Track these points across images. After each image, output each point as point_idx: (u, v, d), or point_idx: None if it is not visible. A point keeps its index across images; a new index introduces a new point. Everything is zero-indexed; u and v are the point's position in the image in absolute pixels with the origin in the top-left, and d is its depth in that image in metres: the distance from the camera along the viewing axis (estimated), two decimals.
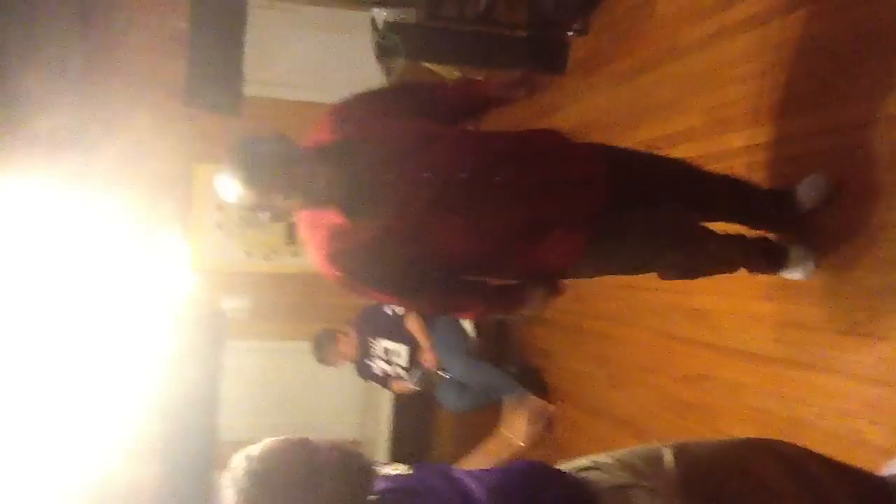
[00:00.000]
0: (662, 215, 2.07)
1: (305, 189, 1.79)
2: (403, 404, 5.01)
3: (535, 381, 4.25)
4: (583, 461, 1.54)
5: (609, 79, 3.72)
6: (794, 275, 2.34)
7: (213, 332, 5.32)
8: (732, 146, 2.73)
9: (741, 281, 2.68)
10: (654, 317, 3.25)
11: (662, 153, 2.46)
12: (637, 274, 2.32)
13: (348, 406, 5.73)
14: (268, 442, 1.33)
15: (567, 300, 4.10)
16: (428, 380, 4.39)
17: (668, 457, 1.48)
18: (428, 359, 4.28)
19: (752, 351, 2.62)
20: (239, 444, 4.95)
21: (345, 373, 4.93)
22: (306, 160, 1.81)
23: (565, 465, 1.56)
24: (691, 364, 2.98)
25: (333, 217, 1.86)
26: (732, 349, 2.72)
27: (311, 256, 1.95)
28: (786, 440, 2.30)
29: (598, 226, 1.96)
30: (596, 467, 1.49)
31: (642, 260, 2.17)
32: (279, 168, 1.76)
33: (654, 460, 1.49)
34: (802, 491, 1.49)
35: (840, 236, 2.27)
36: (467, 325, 4.45)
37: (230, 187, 1.79)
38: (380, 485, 1.32)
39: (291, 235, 5.46)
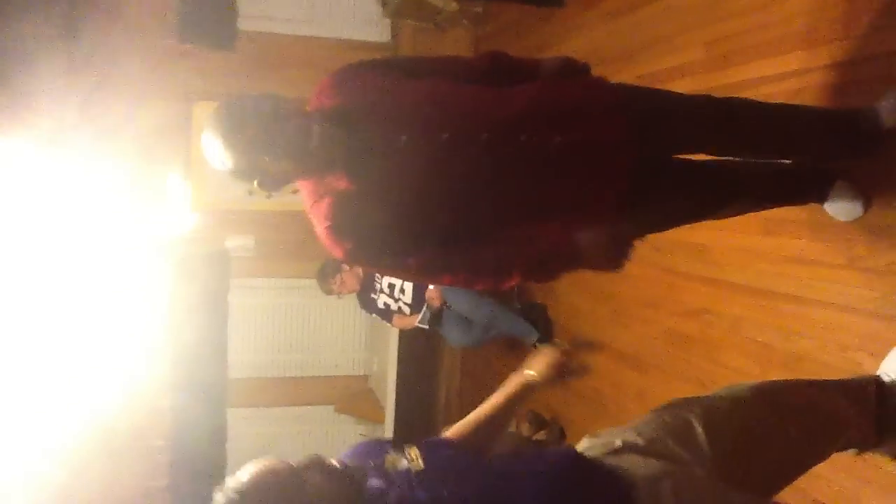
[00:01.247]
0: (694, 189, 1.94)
1: (296, 150, 1.61)
2: (409, 339, 5.07)
3: (539, 317, 4.29)
4: (611, 439, 1.51)
5: (608, 12, 3.66)
6: (837, 211, 2.21)
7: (219, 271, 5.35)
8: (734, 80, 2.69)
9: (742, 217, 2.69)
10: (656, 252, 3.26)
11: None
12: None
13: (354, 342, 5.81)
14: (253, 475, 1.23)
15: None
16: (435, 317, 4.43)
17: (699, 433, 1.48)
18: (433, 296, 4.31)
19: (752, 285, 2.64)
20: (247, 381, 5.09)
21: (350, 309, 4.99)
22: (296, 116, 1.61)
23: (593, 444, 1.53)
24: (692, 299, 3.00)
25: (337, 183, 1.68)
26: (733, 284, 2.74)
27: (317, 230, 1.77)
28: (786, 372, 2.36)
29: (630, 196, 1.77)
30: (627, 448, 1.46)
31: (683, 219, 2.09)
32: (260, 124, 1.58)
33: (687, 438, 1.48)
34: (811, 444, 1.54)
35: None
36: None
37: (211, 152, 1.66)
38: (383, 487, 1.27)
39: None
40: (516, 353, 4.73)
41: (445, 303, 4.36)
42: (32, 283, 3.95)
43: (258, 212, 5.43)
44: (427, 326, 4.49)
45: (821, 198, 2.21)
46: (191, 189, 5.23)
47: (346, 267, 4.40)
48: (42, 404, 4.04)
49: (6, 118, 3.72)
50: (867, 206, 2.15)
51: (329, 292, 4.47)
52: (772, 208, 2.29)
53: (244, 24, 5.27)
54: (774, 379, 2.04)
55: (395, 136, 1.65)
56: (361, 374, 5.76)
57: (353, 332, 5.76)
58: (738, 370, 2.71)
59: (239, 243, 5.43)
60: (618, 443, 1.48)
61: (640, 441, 1.48)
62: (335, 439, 5.60)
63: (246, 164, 1.64)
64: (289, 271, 5.51)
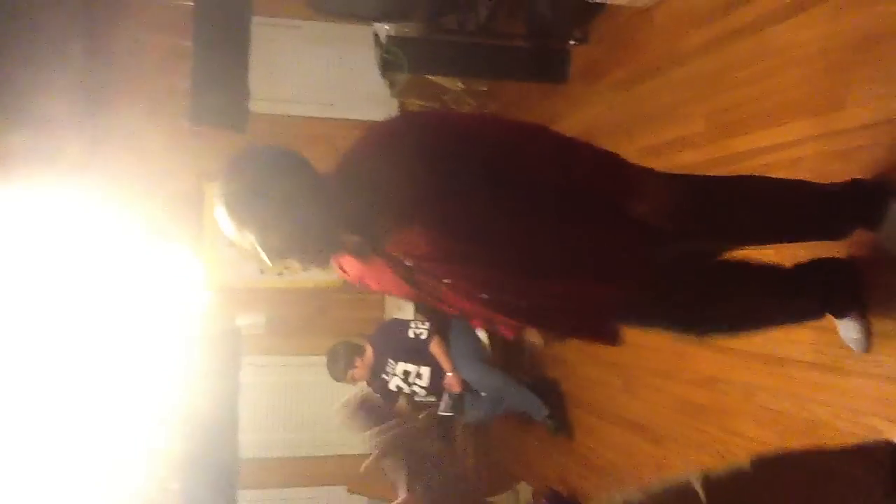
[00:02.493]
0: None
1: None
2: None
3: (549, 390, 4.27)
4: (614, 495, 1.51)
5: (610, 86, 3.74)
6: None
7: (230, 349, 5.35)
8: (734, 151, 2.74)
9: None
10: None
11: (670, 161, 2.36)
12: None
13: None
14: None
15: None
16: (457, 404, 4.35)
17: (699, 491, 1.47)
18: (452, 383, 4.26)
19: (765, 353, 2.62)
20: (256, 462, 5.04)
21: (362, 387, 4.95)
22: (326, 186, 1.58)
23: (598, 500, 1.55)
24: (704, 367, 2.99)
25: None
26: (745, 352, 2.73)
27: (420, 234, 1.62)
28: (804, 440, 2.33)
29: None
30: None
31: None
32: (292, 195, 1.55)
33: (686, 496, 1.47)
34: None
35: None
36: (481, 334, 4.46)
37: (227, 226, 1.61)
38: None
39: None
40: (529, 430, 4.69)
41: (468, 387, 4.30)
42: (47, 356, 3.97)
43: (269, 289, 5.47)
44: (451, 414, 4.41)
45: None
46: (203, 267, 5.28)
47: (357, 361, 4.34)
48: (57, 477, 4.01)
49: (24, 181, 3.80)
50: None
51: (340, 379, 4.41)
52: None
53: (255, 106, 5.40)
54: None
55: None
56: (369, 454, 5.68)
57: None
58: (755, 439, 2.68)
59: (250, 321, 5.46)
60: (617, 498, 1.49)
61: (640, 497, 1.48)
62: None
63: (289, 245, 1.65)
64: (299, 348, 5.51)
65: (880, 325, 2.14)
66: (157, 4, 5.23)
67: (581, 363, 4.08)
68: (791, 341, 2.49)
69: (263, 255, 1.62)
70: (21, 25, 4.19)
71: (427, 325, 4.39)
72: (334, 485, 5.53)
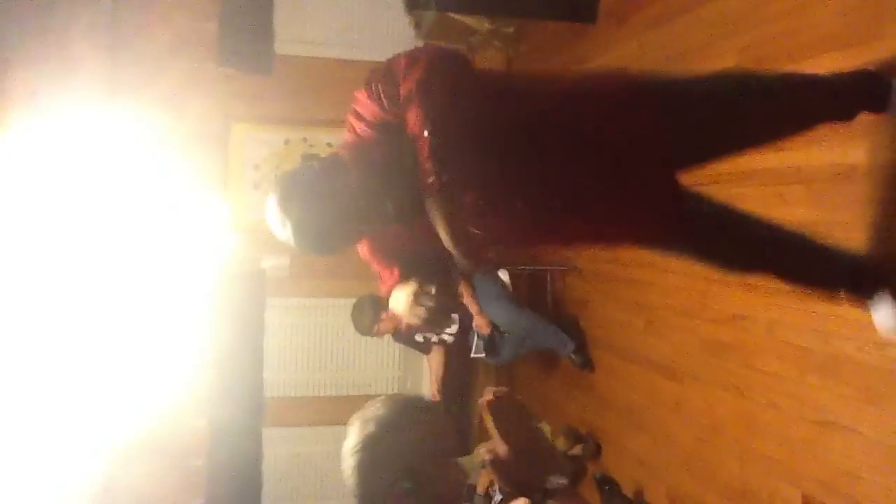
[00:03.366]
0: None
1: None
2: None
3: (571, 330, 4.29)
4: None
5: (640, 26, 3.69)
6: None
7: (255, 290, 5.42)
8: None
9: (776, 219, 2.68)
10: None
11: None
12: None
13: (388, 361, 5.82)
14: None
15: (599, 248, 4.13)
16: (489, 345, 4.34)
17: None
18: (481, 324, 4.26)
19: (787, 288, 2.62)
20: (281, 400, 5.13)
21: None
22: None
23: None
24: (727, 305, 2.99)
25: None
26: (767, 287, 2.72)
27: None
28: (823, 376, 2.34)
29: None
30: None
31: None
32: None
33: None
34: None
35: None
36: (503, 275, 4.48)
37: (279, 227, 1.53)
38: None
39: None
40: (551, 371, 4.73)
41: (497, 328, 4.29)
42: (77, 298, 4.04)
43: None
44: (483, 355, 4.41)
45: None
46: (228, 208, 5.33)
47: (384, 315, 4.21)
48: (85, 414, 4.11)
49: (48, 121, 3.83)
50: None
51: (366, 333, 4.32)
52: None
53: (280, 48, 5.39)
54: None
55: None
56: (396, 392, 5.77)
57: (386, 350, 5.78)
58: (775, 375, 2.69)
59: (274, 263, 5.51)
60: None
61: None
62: None
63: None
64: (323, 290, 5.56)
65: None
66: None
67: (604, 304, 4.10)
68: None
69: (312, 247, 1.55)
70: None
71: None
72: None
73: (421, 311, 1.52)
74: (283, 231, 1.50)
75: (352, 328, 4.57)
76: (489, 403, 1.27)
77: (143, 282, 4.69)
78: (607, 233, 1.84)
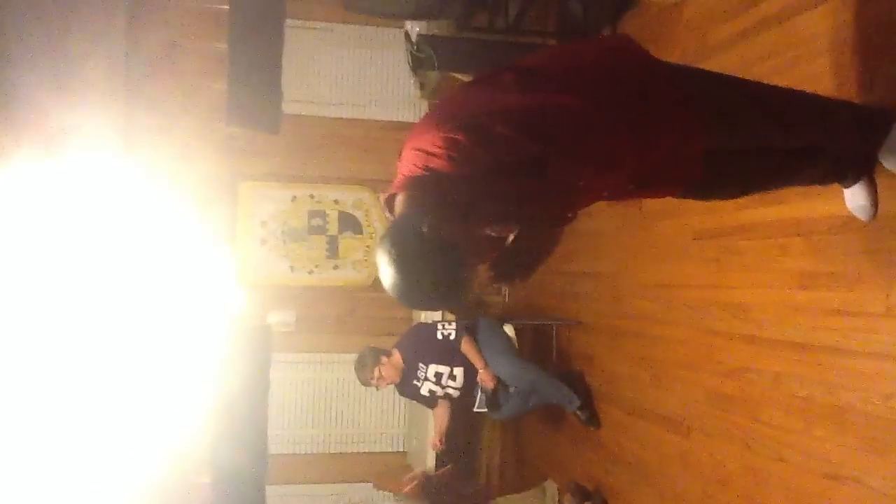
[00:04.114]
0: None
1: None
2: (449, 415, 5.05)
3: (577, 384, 4.28)
4: None
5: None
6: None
7: (261, 346, 5.43)
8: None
9: (776, 272, 2.71)
10: (692, 313, 3.28)
11: None
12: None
13: (393, 418, 5.80)
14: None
15: (604, 302, 4.16)
16: (492, 400, 4.35)
17: None
18: (485, 379, 4.26)
19: (791, 340, 2.63)
20: (285, 458, 5.12)
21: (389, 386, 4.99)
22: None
23: None
24: (732, 358, 2.99)
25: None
26: (772, 340, 2.74)
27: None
28: (830, 426, 2.34)
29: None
30: None
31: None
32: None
33: None
34: None
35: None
36: (509, 329, 4.49)
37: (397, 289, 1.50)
38: None
39: (334, 250, 5.58)
40: (557, 426, 4.70)
41: (501, 383, 4.30)
42: (83, 351, 4.05)
43: (299, 287, 5.55)
44: (486, 410, 4.42)
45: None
46: (235, 264, 5.38)
47: (384, 359, 4.35)
48: (86, 470, 4.08)
49: (59, 184, 3.90)
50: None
51: (367, 384, 4.39)
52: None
53: (288, 108, 5.51)
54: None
55: None
56: (401, 450, 5.73)
57: (391, 407, 5.76)
58: (781, 427, 2.68)
59: (280, 318, 5.54)
60: None
61: None
62: None
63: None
64: (329, 346, 5.58)
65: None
66: (193, 8, 5.35)
67: (609, 358, 4.10)
68: (819, 328, 2.50)
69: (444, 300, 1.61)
70: (60, 24, 4.31)
71: (454, 324, 4.41)
72: (361, 481, 5.58)
73: None
74: (408, 303, 1.54)
75: (356, 384, 4.58)
76: (410, 493, 1.32)
77: (149, 336, 4.70)
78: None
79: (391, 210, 1.62)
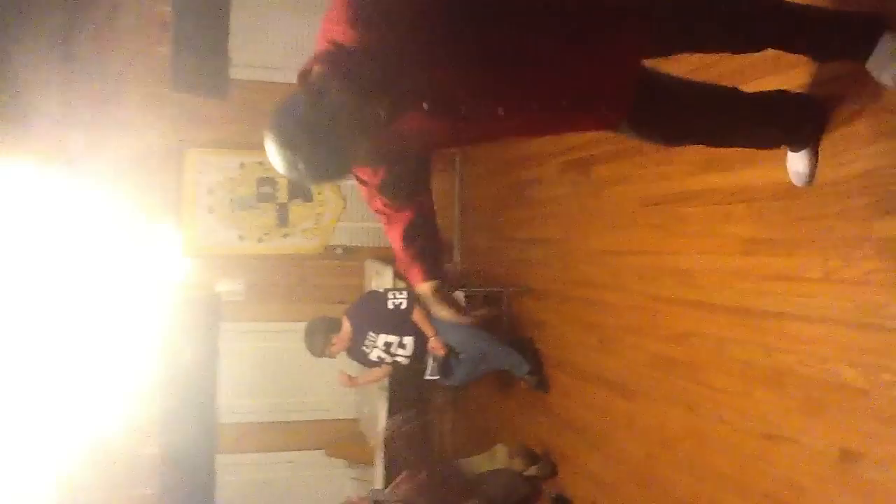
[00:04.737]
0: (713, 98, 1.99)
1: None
2: (398, 382, 5.07)
3: (527, 350, 4.33)
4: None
5: None
6: (881, 74, 2.00)
7: (208, 315, 5.38)
8: None
9: (720, 238, 2.76)
10: (639, 280, 3.33)
11: None
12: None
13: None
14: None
15: (554, 268, 4.19)
16: (442, 367, 4.34)
17: None
18: (436, 347, 4.26)
19: (734, 305, 2.69)
20: (237, 426, 5.08)
21: (340, 355, 4.98)
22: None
23: None
24: (677, 323, 3.05)
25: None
26: (716, 305, 2.79)
27: None
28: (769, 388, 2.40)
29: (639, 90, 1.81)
30: None
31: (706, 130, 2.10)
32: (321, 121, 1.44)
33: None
34: None
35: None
36: (460, 296, 4.50)
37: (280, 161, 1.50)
38: None
39: (284, 218, 5.52)
40: (507, 391, 4.75)
41: (452, 350, 4.31)
42: (23, 321, 3.97)
43: (248, 256, 5.48)
44: (437, 377, 4.42)
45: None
46: (182, 233, 5.29)
47: (334, 338, 4.25)
48: (34, 441, 4.03)
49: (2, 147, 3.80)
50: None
51: (318, 355, 4.34)
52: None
53: (235, 73, 5.40)
54: None
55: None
56: (352, 417, 5.74)
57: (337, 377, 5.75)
58: (723, 390, 2.75)
59: (229, 288, 5.47)
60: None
61: None
62: (326, 484, 5.55)
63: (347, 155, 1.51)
64: (278, 315, 5.53)
65: (848, 272, 2.21)
66: None
67: (558, 324, 4.15)
68: (760, 293, 2.56)
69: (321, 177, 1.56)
70: None
71: (405, 293, 4.40)
72: (313, 449, 5.59)
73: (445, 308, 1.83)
74: (296, 171, 1.49)
75: (306, 352, 4.55)
76: None
77: (95, 307, 4.62)
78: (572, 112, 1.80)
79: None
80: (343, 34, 1.51)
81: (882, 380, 2.08)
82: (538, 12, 1.67)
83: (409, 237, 1.92)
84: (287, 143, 1.46)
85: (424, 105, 1.63)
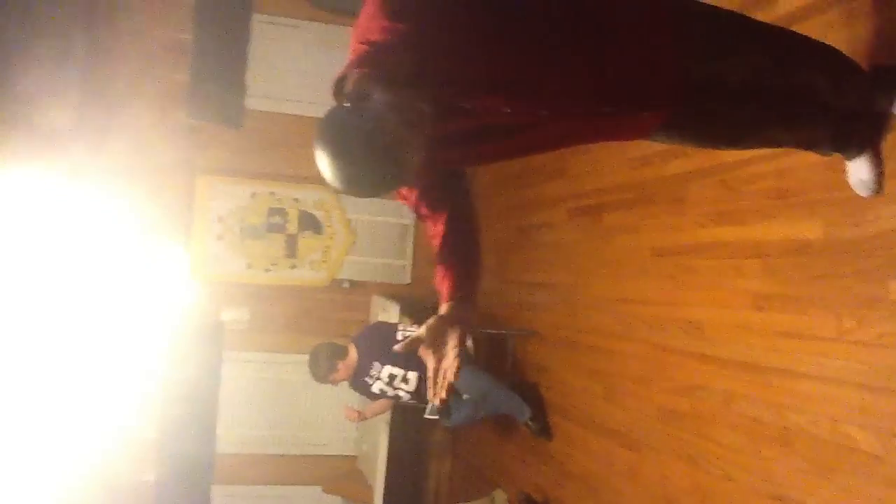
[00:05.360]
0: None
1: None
2: (400, 421, 5.01)
3: (530, 395, 4.27)
4: None
5: None
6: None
7: (212, 342, 5.35)
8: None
9: (732, 292, 2.73)
10: (647, 329, 3.29)
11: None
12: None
13: (345, 421, 5.69)
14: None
15: (560, 314, 4.16)
16: (445, 406, 4.25)
17: None
18: None
19: (743, 360, 2.65)
20: (233, 457, 5.01)
21: (342, 388, 4.94)
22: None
23: None
24: (684, 375, 3.01)
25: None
26: (725, 359, 2.76)
27: None
28: (778, 447, 2.35)
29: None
30: None
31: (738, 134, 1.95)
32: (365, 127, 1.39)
33: None
34: None
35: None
36: (469, 344, 4.46)
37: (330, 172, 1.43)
38: None
39: (292, 249, 5.51)
40: (508, 436, 4.69)
41: (454, 391, 4.24)
42: (28, 341, 3.95)
43: (254, 285, 5.47)
44: (437, 417, 4.35)
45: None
46: (189, 259, 5.28)
47: (339, 364, 4.21)
48: (31, 465, 3.99)
49: (18, 165, 3.81)
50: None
51: (322, 380, 4.29)
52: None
53: (251, 103, 5.44)
54: None
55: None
56: (351, 454, 5.67)
57: (343, 411, 5.70)
58: (730, 446, 2.70)
59: (234, 316, 5.45)
60: None
61: None
62: None
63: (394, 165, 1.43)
64: (282, 346, 5.50)
65: (861, 333, 2.17)
66: None
67: (564, 370, 4.10)
68: (772, 349, 2.52)
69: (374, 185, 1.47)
70: (22, 16, 4.21)
71: (415, 327, 4.37)
72: (310, 484, 5.51)
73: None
74: (354, 183, 1.43)
75: (309, 385, 4.51)
76: None
77: (99, 331, 4.60)
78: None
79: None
80: (379, 29, 1.48)
81: (894, 445, 2.03)
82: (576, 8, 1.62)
83: (443, 252, 1.80)
84: (340, 155, 1.39)
85: (466, 104, 1.56)
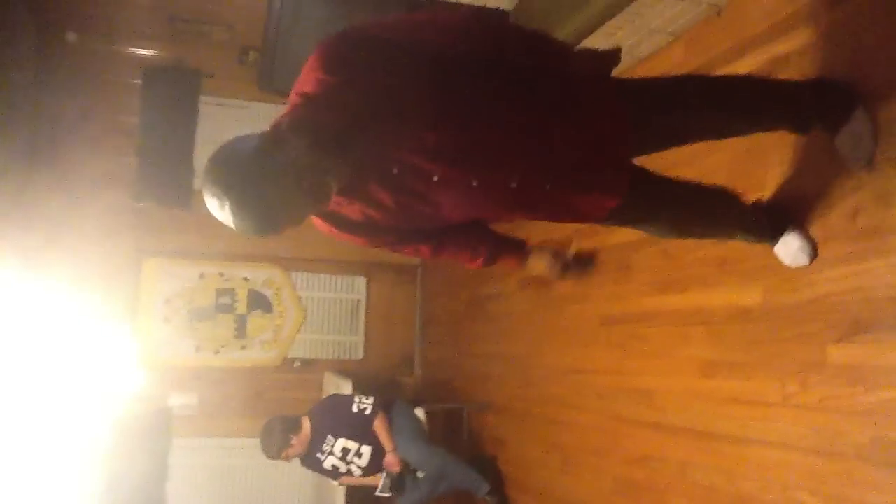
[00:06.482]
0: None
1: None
2: (356, 498, 4.89)
3: (488, 469, 4.21)
4: None
5: None
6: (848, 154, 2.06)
7: (160, 430, 5.19)
8: None
9: (679, 360, 2.76)
10: (600, 399, 3.29)
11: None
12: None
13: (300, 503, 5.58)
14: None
15: (515, 385, 4.15)
16: (396, 484, 4.17)
17: None
18: (391, 462, 4.12)
19: (694, 428, 2.66)
20: None
21: (295, 470, 4.82)
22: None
23: None
24: (637, 445, 3.00)
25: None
26: (675, 427, 2.76)
27: None
28: None
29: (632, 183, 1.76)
30: None
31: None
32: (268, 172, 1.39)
33: None
34: None
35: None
36: (420, 413, 4.41)
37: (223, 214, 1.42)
38: None
39: (242, 329, 5.42)
40: None
41: (408, 467, 4.16)
42: None
43: (203, 368, 5.35)
44: (389, 495, 4.25)
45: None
46: (136, 344, 5.17)
47: (293, 439, 4.11)
48: None
49: None
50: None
51: (275, 457, 4.15)
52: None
53: (199, 184, 5.41)
54: None
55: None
56: None
57: (297, 494, 5.54)
58: None
59: (182, 401, 5.31)
60: None
61: None
62: None
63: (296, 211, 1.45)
64: (234, 430, 5.36)
65: (806, 397, 2.20)
66: (105, 80, 5.25)
67: (520, 442, 4.06)
68: (721, 416, 2.54)
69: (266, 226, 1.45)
70: None
71: (371, 400, 4.30)
72: None
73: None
74: (221, 212, 1.41)
75: (261, 469, 4.39)
76: None
77: (41, 419, 4.45)
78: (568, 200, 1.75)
79: None
80: (315, 81, 1.50)
81: None
82: (522, 80, 1.65)
83: (470, 251, 1.93)
84: (220, 182, 1.39)
85: (394, 170, 1.54)
